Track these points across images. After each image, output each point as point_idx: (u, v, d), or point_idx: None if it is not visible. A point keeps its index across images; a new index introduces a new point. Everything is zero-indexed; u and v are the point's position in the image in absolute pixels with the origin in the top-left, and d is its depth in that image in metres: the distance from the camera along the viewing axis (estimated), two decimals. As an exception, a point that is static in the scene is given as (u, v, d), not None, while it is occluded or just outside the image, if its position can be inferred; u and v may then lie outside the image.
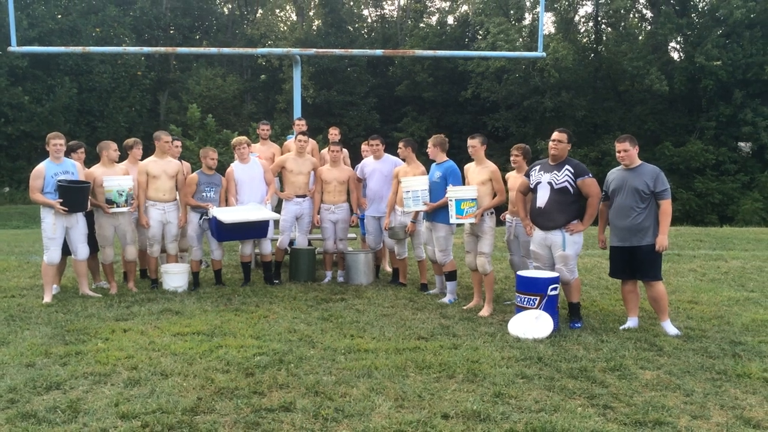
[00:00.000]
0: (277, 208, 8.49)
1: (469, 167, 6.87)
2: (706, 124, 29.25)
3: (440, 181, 6.94)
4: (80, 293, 7.24)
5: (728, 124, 28.76)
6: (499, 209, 6.89)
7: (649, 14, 34.53)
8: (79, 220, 7.05)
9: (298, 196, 8.12)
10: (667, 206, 5.69)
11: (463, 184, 6.84)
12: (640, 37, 33.94)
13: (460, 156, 7.33)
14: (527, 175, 6.29)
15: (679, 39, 31.96)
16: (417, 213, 7.31)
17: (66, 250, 7.14)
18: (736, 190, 27.52)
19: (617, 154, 5.87)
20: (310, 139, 8.52)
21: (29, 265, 9.53)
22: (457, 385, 4.36)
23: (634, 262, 5.83)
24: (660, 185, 5.67)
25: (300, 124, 9.06)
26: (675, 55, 33.34)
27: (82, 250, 7.11)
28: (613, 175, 5.98)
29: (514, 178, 6.77)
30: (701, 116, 29.92)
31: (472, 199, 6.49)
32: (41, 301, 6.89)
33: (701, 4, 32.15)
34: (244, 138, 8.16)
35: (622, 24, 34.81)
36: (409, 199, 7.09)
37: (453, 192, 6.58)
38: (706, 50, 27.79)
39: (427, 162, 7.34)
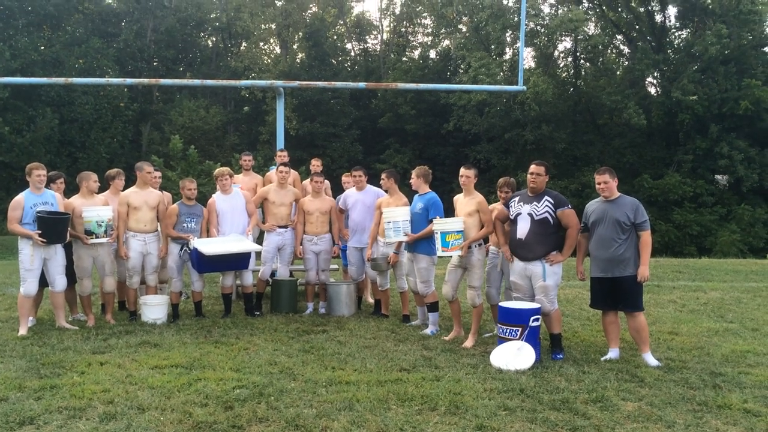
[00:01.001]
0: (259, 239, 8.45)
1: (458, 198, 6.88)
2: (684, 157, 29.79)
3: (422, 212, 6.96)
4: (57, 326, 7.11)
5: (705, 157, 29.31)
6: (484, 240, 6.89)
7: (626, 50, 35.38)
8: (57, 252, 6.97)
9: (280, 227, 8.10)
10: (647, 237, 5.77)
11: (453, 215, 6.82)
12: (618, 72, 34.70)
13: (442, 188, 7.38)
14: (506, 206, 6.34)
15: (656, 74, 32.68)
16: (399, 244, 7.32)
17: (43, 282, 7.03)
18: (714, 222, 27.91)
19: (597, 186, 5.95)
20: (291, 170, 8.54)
21: (5, 297, 9.36)
22: (439, 417, 4.33)
23: (616, 293, 5.87)
24: (640, 217, 5.76)
25: (282, 156, 9.07)
26: (652, 90, 34.10)
27: (59, 282, 7.01)
28: (593, 206, 6.05)
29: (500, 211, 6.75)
30: (678, 149, 30.46)
31: (458, 231, 6.48)
32: (16, 333, 6.77)
33: (677, 41, 33.04)
34: (226, 169, 8.16)
35: (600, 59, 35.58)
36: (390, 230, 7.10)
37: (439, 224, 6.57)
38: (682, 85, 28.43)
39: (410, 193, 7.37)
